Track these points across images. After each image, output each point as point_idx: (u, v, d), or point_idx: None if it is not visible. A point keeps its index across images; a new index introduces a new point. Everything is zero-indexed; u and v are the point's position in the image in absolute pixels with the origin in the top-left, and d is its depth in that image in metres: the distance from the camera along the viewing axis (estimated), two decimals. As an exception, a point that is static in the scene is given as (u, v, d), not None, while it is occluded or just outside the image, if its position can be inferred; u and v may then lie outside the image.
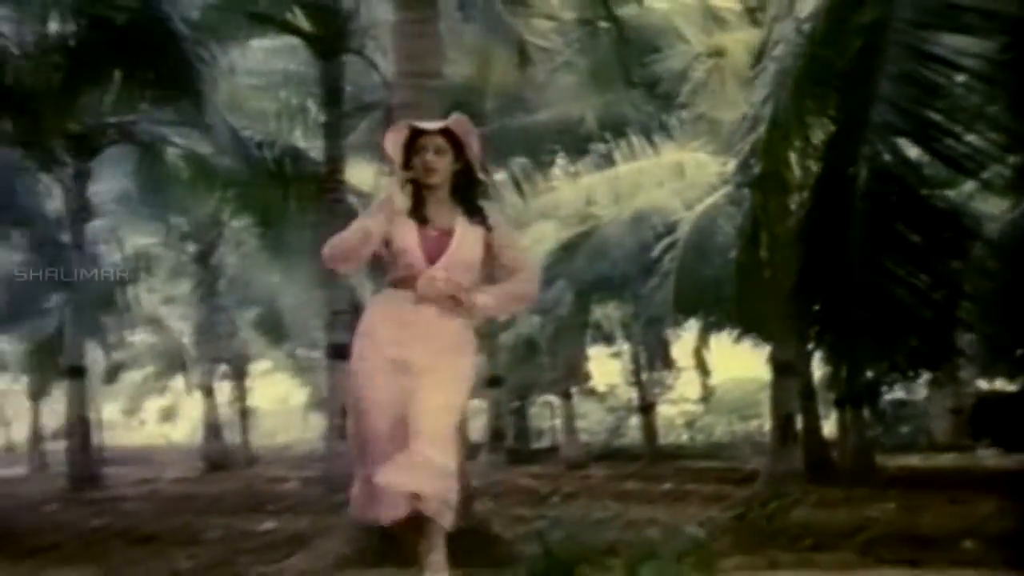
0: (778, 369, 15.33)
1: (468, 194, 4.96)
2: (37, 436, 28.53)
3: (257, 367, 33.39)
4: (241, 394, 30.67)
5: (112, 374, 33.86)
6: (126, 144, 18.35)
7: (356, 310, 13.19)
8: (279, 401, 38.45)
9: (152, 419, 42.58)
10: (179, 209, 21.20)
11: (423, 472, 4.54)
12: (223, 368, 29.80)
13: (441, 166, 4.83)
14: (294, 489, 15.35)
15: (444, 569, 4.74)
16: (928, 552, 7.34)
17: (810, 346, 14.67)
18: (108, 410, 34.99)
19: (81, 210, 18.58)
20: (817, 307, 10.78)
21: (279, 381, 36.43)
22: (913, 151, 9.43)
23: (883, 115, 9.14)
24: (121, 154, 18.80)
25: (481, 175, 5.02)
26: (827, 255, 9.93)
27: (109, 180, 19.93)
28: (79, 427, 18.84)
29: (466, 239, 4.87)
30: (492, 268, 5.03)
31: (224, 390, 30.04)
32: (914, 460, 17.71)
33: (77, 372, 19.03)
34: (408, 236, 4.81)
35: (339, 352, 14.14)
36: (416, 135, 4.86)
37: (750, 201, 12.95)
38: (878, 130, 9.23)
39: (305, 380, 34.15)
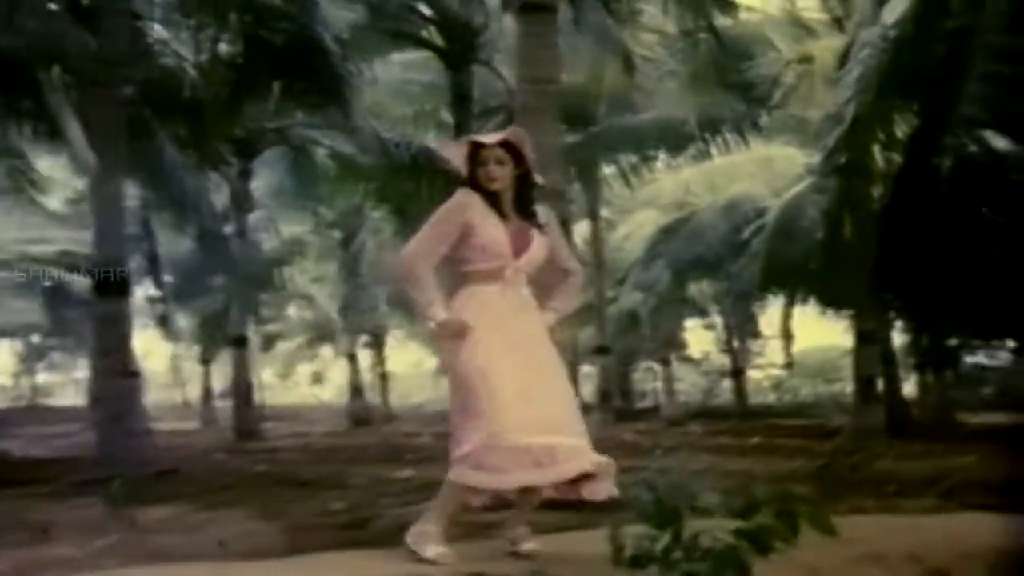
0: (860, 337, 15.24)
1: (525, 198, 4.77)
2: (207, 395, 29.00)
3: (393, 337, 33.71)
4: (380, 360, 31.04)
5: (269, 343, 34.63)
6: (282, 146, 18.70)
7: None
8: (413, 366, 38.62)
9: (304, 381, 43.06)
10: (326, 201, 21.56)
11: (584, 445, 4.52)
12: (364, 338, 30.20)
13: (501, 175, 4.66)
14: (427, 443, 15.37)
15: (531, 536, 4.63)
16: (1011, 498, 6.97)
17: (891, 316, 14.59)
18: (266, 374, 35.69)
19: (243, 203, 18.97)
20: (899, 282, 10.75)
21: (413, 349, 36.64)
22: (999, 142, 9.38)
23: (969, 110, 9.05)
24: (277, 155, 19.15)
25: (538, 180, 4.83)
26: (909, 236, 9.90)
27: (267, 177, 20.26)
28: (242, 388, 19.38)
29: (539, 236, 4.74)
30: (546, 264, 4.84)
31: (365, 357, 30.44)
32: (996, 418, 17.14)
33: (240, 341, 19.51)
34: (498, 232, 4.64)
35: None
36: (477, 147, 4.72)
37: (836, 188, 12.91)
38: (964, 124, 9.16)
39: (435, 348, 34.29)
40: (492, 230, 4.64)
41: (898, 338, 16.89)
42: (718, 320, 27.87)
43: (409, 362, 38.84)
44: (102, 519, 7.36)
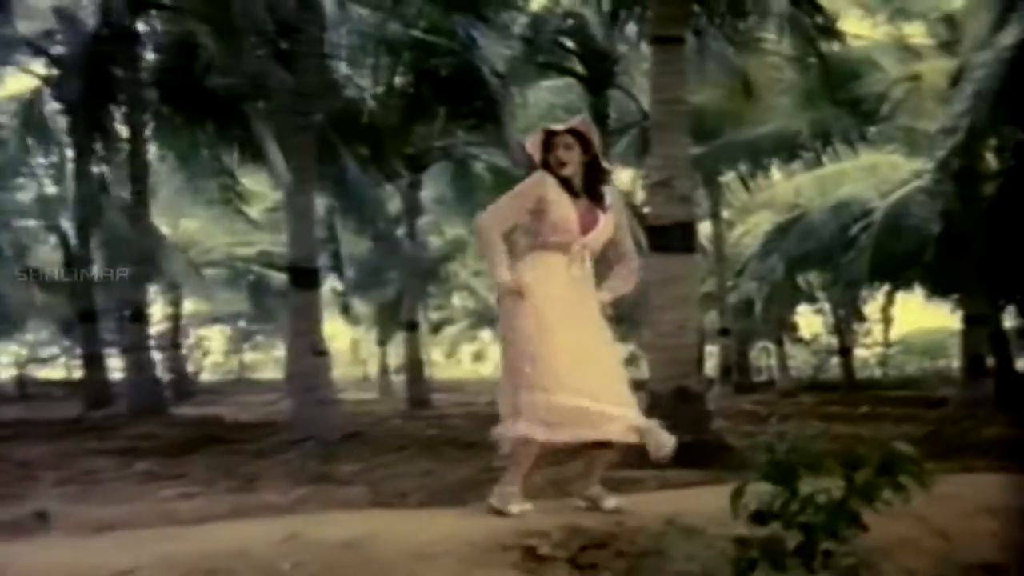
0: (969, 320, 14.85)
1: (594, 181, 4.58)
2: (384, 371, 29.60)
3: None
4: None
5: (437, 327, 35.16)
6: (446, 161, 19.06)
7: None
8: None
9: (466, 360, 43.66)
10: (483, 206, 21.80)
11: (633, 407, 4.42)
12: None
13: (570, 159, 4.51)
14: None
15: (609, 494, 4.51)
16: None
17: (1001, 302, 14.22)
18: (434, 353, 36.25)
19: (413, 209, 19.37)
20: (1006, 270, 10.56)
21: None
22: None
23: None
24: (441, 168, 19.53)
25: (605, 165, 4.64)
26: (1016, 229, 9.74)
27: (433, 187, 20.66)
28: (414, 365, 19.82)
29: (607, 217, 4.57)
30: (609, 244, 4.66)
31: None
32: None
33: (412, 326, 19.91)
34: (570, 210, 4.47)
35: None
36: (550, 136, 4.58)
37: (950, 191, 12.75)
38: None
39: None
40: (563, 208, 4.47)
41: (1009, 320, 16.27)
42: (826, 306, 27.32)
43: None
44: (299, 473, 7.59)
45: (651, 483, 5.68)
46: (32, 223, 21.16)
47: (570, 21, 15.78)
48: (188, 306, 26.95)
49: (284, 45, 11.69)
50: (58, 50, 15.03)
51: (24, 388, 23.25)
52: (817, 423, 11.33)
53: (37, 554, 3.86)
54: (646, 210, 10.05)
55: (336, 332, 32.20)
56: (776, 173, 20.35)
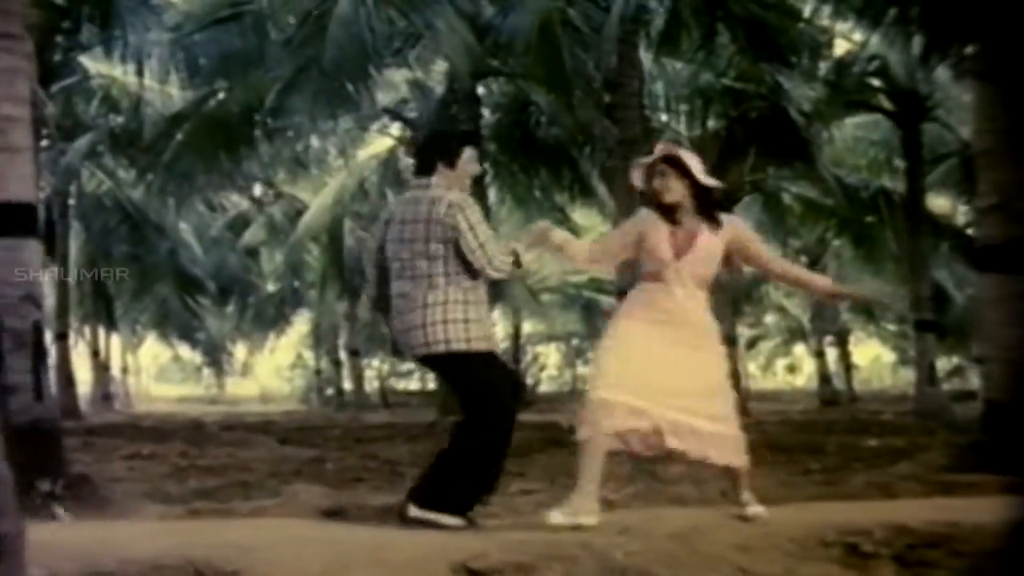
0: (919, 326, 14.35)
1: (704, 206, 4.34)
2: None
3: (856, 336, 32.88)
4: (845, 354, 30.36)
5: (752, 343, 34.96)
6: (757, 193, 19.09)
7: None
8: (872, 359, 37.60)
9: (780, 372, 43.02)
10: (793, 233, 21.60)
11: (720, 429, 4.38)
12: (830, 337, 29.63)
13: (663, 187, 4.31)
14: (890, 419, 14.67)
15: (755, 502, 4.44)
16: None
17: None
18: (751, 366, 35.96)
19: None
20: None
21: (873, 346, 35.71)
22: None
23: None
24: (754, 199, 19.56)
25: (711, 183, 4.37)
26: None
27: (746, 217, 20.49)
28: (734, 376, 19.50)
29: (708, 238, 4.32)
30: (739, 257, 4.54)
31: (831, 352, 29.86)
32: None
33: (732, 341, 19.70)
34: (660, 236, 4.31)
35: (924, 326, 15.02)
36: (648, 167, 4.42)
37: None
38: None
39: (893, 344, 33.25)
40: (655, 236, 4.32)
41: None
42: None
43: (868, 356, 37.88)
44: (630, 471, 7.93)
45: (991, 487, 5.33)
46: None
47: (875, 63, 15.43)
48: (527, 327, 28.35)
49: (607, 98, 12.24)
50: (411, 114, 16.28)
51: (386, 397, 25.20)
52: None
53: (410, 535, 4.19)
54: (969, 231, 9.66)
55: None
56: None
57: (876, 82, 15.82)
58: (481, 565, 3.68)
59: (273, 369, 34.10)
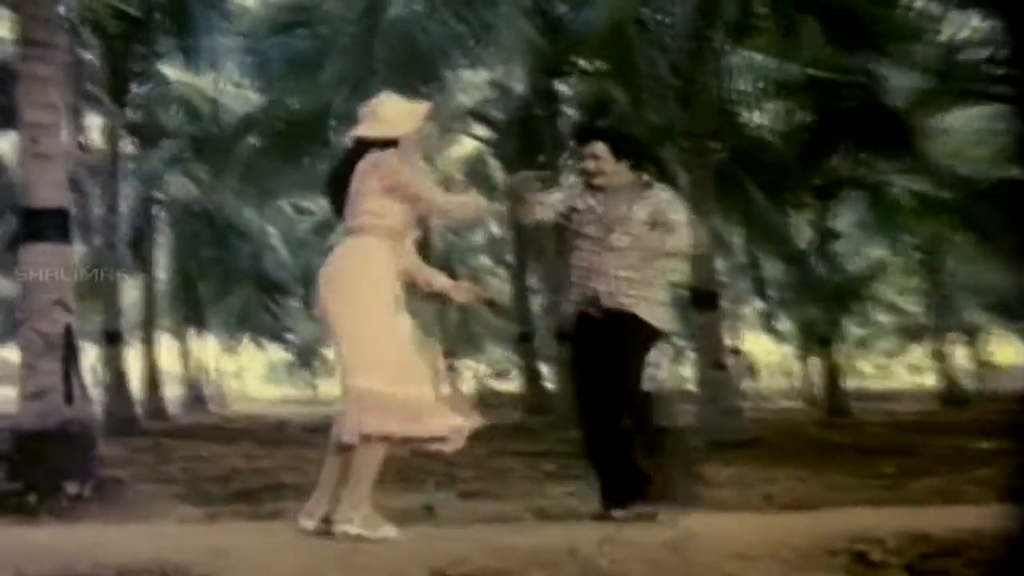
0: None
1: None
2: (807, 382, 28.93)
3: (992, 334, 31.74)
4: (976, 353, 29.30)
5: (863, 342, 34.08)
6: (856, 189, 18.56)
7: None
8: (1014, 356, 36.46)
9: (903, 371, 41.91)
10: (905, 229, 20.91)
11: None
12: (956, 335, 28.61)
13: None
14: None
15: None
16: None
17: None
18: (865, 365, 35.02)
19: (826, 235, 18.89)
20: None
21: (1013, 343, 34.50)
22: None
23: None
24: (854, 196, 19.03)
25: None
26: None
27: (852, 213, 20.17)
28: (832, 374, 19.16)
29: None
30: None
31: (959, 352, 28.79)
32: None
33: (825, 341, 19.40)
34: None
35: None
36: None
37: None
38: None
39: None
40: None
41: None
42: None
43: (1009, 354, 36.64)
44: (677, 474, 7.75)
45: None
46: (484, 259, 23.30)
47: (988, 49, 14.77)
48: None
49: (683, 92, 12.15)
50: (494, 115, 16.43)
51: (483, 399, 25.33)
52: None
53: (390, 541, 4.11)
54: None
55: (763, 348, 32.23)
56: None
57: (996, 70, 15.11)
58: (460, 571, 3.66)
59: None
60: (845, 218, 20.17)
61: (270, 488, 7.14)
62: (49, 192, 6.02)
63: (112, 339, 13.84)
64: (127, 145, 14.97)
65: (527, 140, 15.41)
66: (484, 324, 23.39)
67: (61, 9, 11.83)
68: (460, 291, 4.53)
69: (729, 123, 13.64)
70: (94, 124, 13.89)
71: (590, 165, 4.68)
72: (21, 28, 6.20)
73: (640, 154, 4.95)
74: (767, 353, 33.40)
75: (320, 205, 22.15)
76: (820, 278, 18.72)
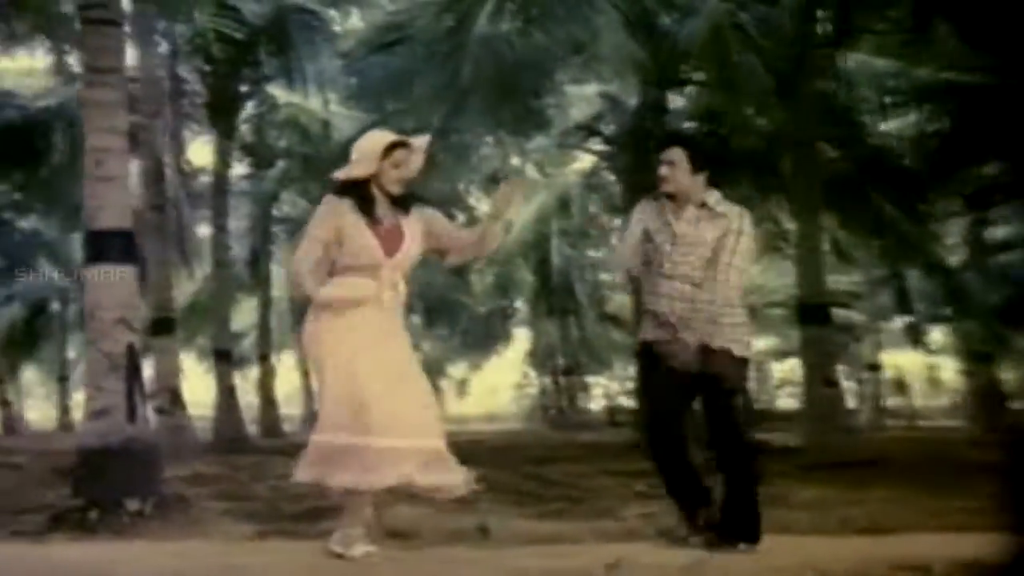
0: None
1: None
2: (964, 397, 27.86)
3: None
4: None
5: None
6: (1013, 198, 17.74)
7: None
8: None
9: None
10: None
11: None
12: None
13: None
14: None
15: None
16: None
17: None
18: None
19: (976, 243, 18.55)
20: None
21: None
22: None
23: None
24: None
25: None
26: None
27: (1004, 225, 19.24)
28: (986, 390, 18.91)
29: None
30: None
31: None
32: None
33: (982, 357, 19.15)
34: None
35: None
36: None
37: None
38: None
39: None
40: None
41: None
42: None
43: None
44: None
45: None
46: (606, 276, 23.11)
47: None
48: (760, 343, 27.80)
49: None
50: (608, 129, 16.28)
51: (614, 416, 25.06)
52: None
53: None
54: None
55: (911, 363, 31.08)
56: None
57: None
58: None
59: (490, 389, 34.85)
60: (1015, 228, 19.34)
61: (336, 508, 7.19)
62: (114, 214, 6.25)
63: (222, 357, 14.32)
64: (242, 166, 15.54)
65: (641, 153, 15.24)
66: (606, 340, 23.25)
67: (158, 38, 12.55)
68: (500, 197, 4.47)
69: (851, 131, 13.28)
70: (204, 146, 14.41)
71: (664, 171, 4.66)
72: (85, 56, 6.50)
73: (720, 168, 4.91)
74: (927, 368, 32.19)
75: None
76: (973, 291, 18.09)
